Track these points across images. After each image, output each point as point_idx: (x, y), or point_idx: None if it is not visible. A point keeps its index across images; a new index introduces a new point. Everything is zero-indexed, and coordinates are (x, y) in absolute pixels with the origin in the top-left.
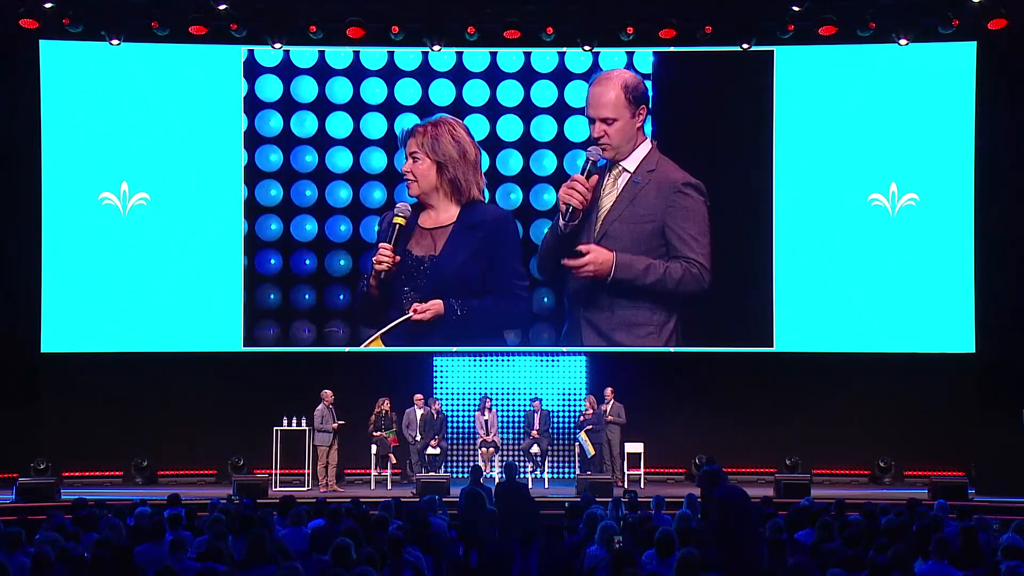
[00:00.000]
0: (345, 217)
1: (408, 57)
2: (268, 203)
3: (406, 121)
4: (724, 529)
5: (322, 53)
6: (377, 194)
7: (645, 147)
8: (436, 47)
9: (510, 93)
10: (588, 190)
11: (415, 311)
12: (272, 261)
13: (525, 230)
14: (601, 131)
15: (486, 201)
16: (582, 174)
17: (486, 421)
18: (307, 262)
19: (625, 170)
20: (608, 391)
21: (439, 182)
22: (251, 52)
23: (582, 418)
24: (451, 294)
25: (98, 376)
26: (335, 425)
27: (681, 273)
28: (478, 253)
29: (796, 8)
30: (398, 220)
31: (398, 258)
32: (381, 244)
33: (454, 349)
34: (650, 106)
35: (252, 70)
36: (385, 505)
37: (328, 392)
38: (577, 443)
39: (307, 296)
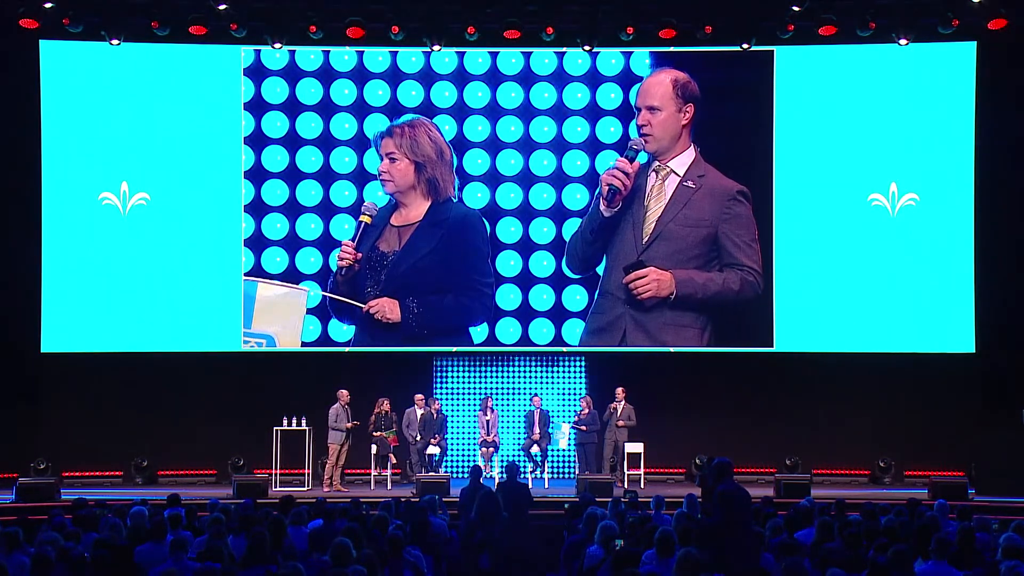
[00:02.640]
0: (349, 216)
1: (410, 60)
2: (274, 202)
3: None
4: (725, 525)
5: (327, 55)
6: (382, 193)
7: (690, 152)
8: (436, 47)
9: (510, 95)
10: (631, 174)
11: (369, 307)
12: (278, 259)
13: (524, 230)
14: (645, 119)
15: (455, 200)
16: (625, 159)
17: (487, 421)
18: (311, 260)
19: (673, 172)
20: (619, 391)
21: (416, 181)
22: (257, 55)
23: (578, 418)
24: (409, 290)
25: (98, 376)
26: (349, 425)
27: (740, 282)
28: (437, 250)
29: (796, 8)
30: (364, 219)
31: (359, 255)
32: (344, 241)
33: (454, 349)
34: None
35: (258, 73)
36: (385, 505)
37: (344, 392)
38: (556, 431)
39: (311, 294)
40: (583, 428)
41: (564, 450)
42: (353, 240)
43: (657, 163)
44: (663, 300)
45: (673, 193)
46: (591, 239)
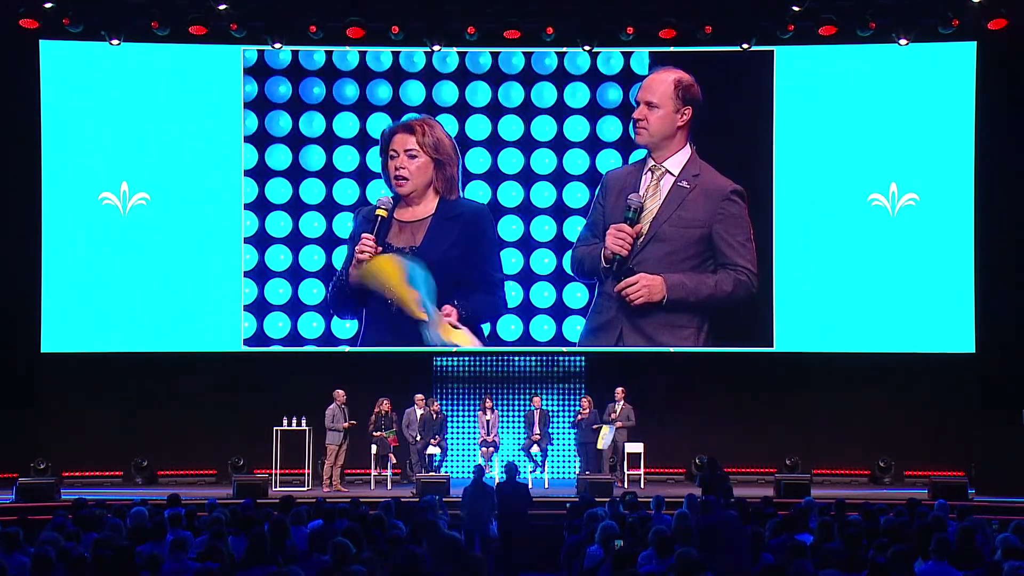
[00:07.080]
0: (351, 214)
1: (412, 60)
2: (277, 200)
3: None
4: (707, 559)
5: (329, 54)
6: (383, 192)
7: (686, 152)
8: (436, 47)
9: (511, 94)
10: (632, 238)
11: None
12: (282, 257)
13: (525, 227)
14: (642, 114)
15: (462, 196)
16: (626, 223)
17: (487, 421)
18: (315, 258)
19: (668, 172)
20: (619, 391)
21: (434, 178)
22: (261, 54)
23: (578, 417)
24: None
25: (98, 376)
26: (346, 424)
27: (733, 283)
28: (457, 244)
29: (796, 8)
30: (380, 212)
31: (380, 249)
32: (364, 235)
33: (454, 349)
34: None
35: (262, 72)
36: (385, 505)
37: (340, 392)
38: (602, 431)
39: (314, 291)
40: (595, 427)
41: (603, 450)
42: (372, 234)
43: (653, 162)
44: (656, 304)
45: (668, 193)
46: (589, 272)
